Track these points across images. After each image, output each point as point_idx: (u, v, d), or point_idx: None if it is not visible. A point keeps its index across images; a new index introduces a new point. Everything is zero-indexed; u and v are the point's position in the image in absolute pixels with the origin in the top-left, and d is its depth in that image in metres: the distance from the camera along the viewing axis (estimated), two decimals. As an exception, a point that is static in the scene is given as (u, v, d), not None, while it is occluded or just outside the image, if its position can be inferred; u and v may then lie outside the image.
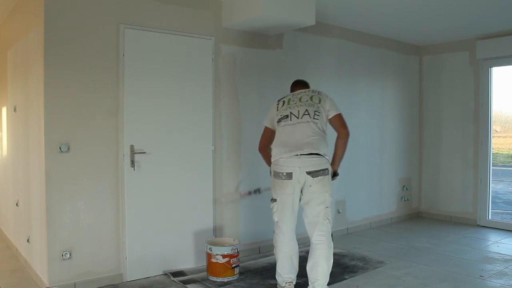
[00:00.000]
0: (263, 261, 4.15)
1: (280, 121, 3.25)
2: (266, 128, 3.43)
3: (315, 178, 3.06)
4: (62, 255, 3.28)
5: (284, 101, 3.35)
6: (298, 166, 3.07)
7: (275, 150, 3.21)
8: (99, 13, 3.41)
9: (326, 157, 3.13)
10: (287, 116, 3.23)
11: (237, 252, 3.66)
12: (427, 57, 6.21)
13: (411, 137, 6.17)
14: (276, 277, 3.32)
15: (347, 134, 3.24)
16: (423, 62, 6.26)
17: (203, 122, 4.01)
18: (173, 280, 3.60)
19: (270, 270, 3.86)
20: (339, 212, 5.14)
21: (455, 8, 4.38)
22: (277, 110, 3.34)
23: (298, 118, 3.19)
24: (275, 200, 3.24)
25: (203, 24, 3.98)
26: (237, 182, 4.21)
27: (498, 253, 4.43)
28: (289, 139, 3.15)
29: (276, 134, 3.28)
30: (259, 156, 4.41)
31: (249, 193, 3.91)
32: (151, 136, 3.68)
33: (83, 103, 3.36)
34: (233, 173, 4.23)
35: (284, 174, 3.12)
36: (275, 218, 3.26)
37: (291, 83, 3.70)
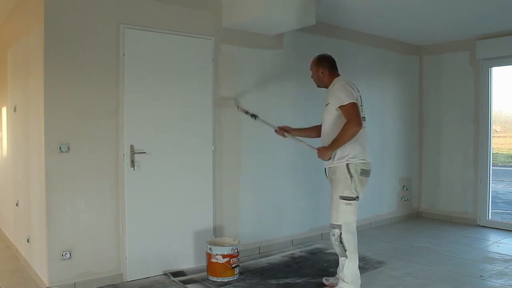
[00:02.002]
0: (263, 261, 4.16)
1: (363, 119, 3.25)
2: (356, 105, 3.17)
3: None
4: (62, 255, 3.28)
5: (357, 98, 3.22)
6: None
7: (362, 147, 3.27)
8: (99, 13, 3.41)
9: None
10: (364, 118, 3.28)
11: (237, 252, 3.66)
12: (427, 57, 6.21)
13: (411, 137, 6.17)
14: (355, 284, 3.17)
15: None
16: (423, 62, 6.26)
17: (203, 122, 4.01)
18: (173, 280, 3.60)
19: (270, 270, 3.86)
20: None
21: (455, 8, 4.38)
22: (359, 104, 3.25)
23: (365, 122, 3.31)
24: (357, 198, 3.20)
25: (203, 24, 3.98)
26: (235, 95, 4.21)
27: (498, 253, 4.43)
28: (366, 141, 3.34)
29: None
30: (259, 156, 4.43)
31: (246, 112, 3.92)
32: (151, 136, 3.68)
33: (83, 103, 3.36)
34: (233, 173, 4.23)
35: (370, 172, 3.30)
36: (353, 218, 3.20)
37: (326, 58, 3.40)
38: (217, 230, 4.12)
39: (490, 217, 5.64)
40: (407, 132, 6.09)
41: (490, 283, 3.56)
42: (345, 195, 3.17)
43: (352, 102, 3.12)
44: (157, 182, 3.72)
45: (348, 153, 3.19)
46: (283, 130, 3.70)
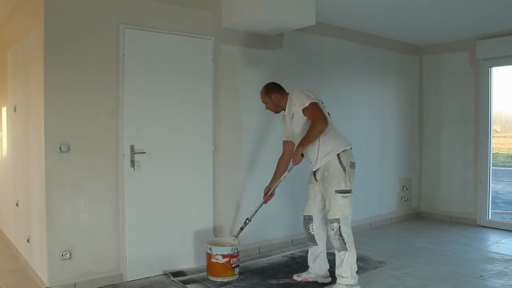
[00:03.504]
0: (263, 261, 4.15)
1: (329, 114, 3.37)
2: (317, 104, 3.28)
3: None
4: (62, 255, 3.28)
5: (316, 97, 3.33)
6: None
7: (342, 138, 3.33)
8: (99, 13, 3.41)
9: None
10: (328, 113, 3.37)
11: (237, 252, 3.66)
12: (427, 57, 6.21)
13: (411, 137, 6.17)
14: (354, 278, 3.23)
15: None
16: (423, 62, 6.26)
17: (203, 122, 4.01)
18: (173, 280, 3.60)
19: (270, 270, 3.86)
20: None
21: (455, 8, 4.38)
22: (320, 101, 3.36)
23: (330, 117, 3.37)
24: (351, 191, 3.27)
25: (203, 24, 3.98)
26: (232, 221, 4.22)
27: (498, 253, 4.43)
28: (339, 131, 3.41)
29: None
30: (259, 156, 4.43)
31: (241, 229, 3.78)
32: (151, 136, 3.68)
33: (83, 103, 3.36)
34: (233, 173, 4.23)
35: (355, 164, 3.33)
36: (350, 211, 3.26)
37: (272, 85, 3.58)
38: (217, 230, 4.12)
39: (490, 217, 5.64)
40: (407, 132, 6.09)
41: (490, 283, 3.56)
42: (340, 189, 3.23)
43: (312, 102, 3.24)
44: (157, 182, 3.72)
45: (333, 147, 3.28)
46: (267, 193, 3.72)
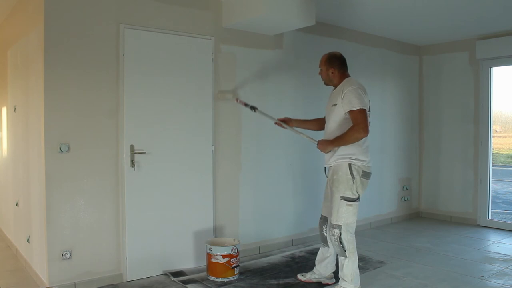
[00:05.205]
0: (263, 261, 4.15)
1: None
2: (366, 112, 3.20)
3: None
4: (62, 255, 3.28)
5: (367, 103, 3.26)
6: None
7: (366, 150, 3.30)
8: (99, 13, 3.41)
9: None
10: (369, 122, 3.30)
11: (237, 252, 3.66)
12: (427, 57, 6.21)
13: (411, 137, 6.17)
14: (355, 283, 3.19)
15: None
16: (423, 62, 6.26)
17: (203, 122, 4.01)
18: (173, 280, 3.60)
19: (270, 270, 3.86)
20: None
21: (455, 8, 4.38)
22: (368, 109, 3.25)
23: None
24: (358, 199, 3.23)
25: (203, 24, 3.98)
26: (234, 88, 4.16)
27: (498, 253, 4.43)
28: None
29: None
30: (259, 156, 4.43)
31: (246, 104, 3.79)
32: (151, 136, 3.68)
33: (83, 103, 3.36)
34: (233, 173, 4.23)
35: (371, 175, 3.32)
36: (354, 219, 3.21)
37: (338, 58, 3.36)
38: (217, 230, 4.12)
39: (490, 217, 5.64)
40: (407, 132, 6.09)
41: (490, 283, 3.56)
42: (346, 196, 3.18)
43: (362, 108, 3.13)
44: (157, 182, 3.72)
45: (352, 153, 3.20)
46: (283, 122, 3.64)
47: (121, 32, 3.50)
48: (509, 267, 3.94)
